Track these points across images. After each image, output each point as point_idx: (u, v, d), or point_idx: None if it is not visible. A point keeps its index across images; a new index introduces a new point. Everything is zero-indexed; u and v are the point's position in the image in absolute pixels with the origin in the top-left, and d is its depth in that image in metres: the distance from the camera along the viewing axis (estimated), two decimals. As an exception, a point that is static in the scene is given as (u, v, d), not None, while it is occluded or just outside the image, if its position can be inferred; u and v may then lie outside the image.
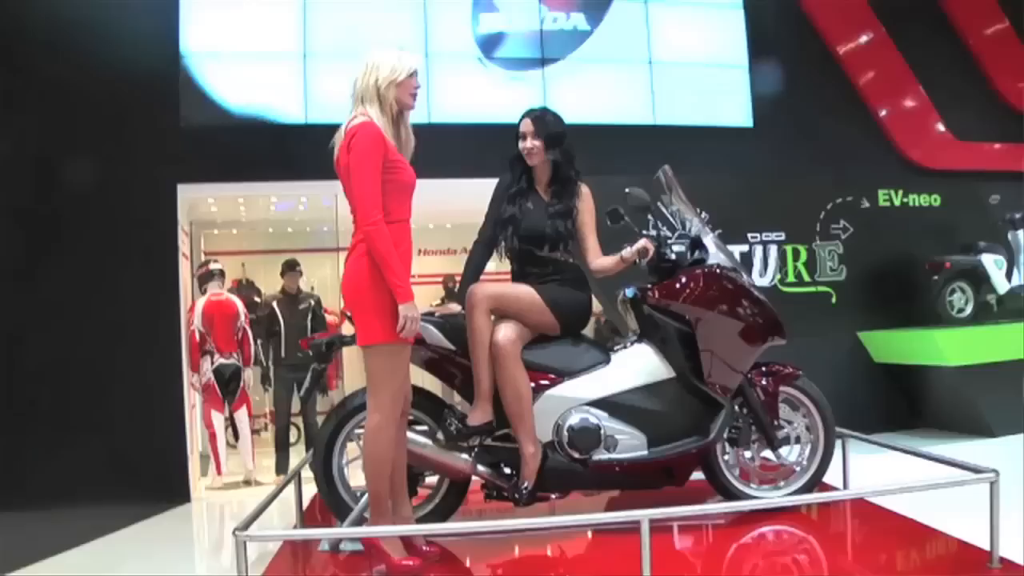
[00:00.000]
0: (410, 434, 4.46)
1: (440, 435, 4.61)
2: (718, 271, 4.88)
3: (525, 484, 4.50)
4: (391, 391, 4.02)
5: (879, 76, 10.91)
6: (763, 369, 5.04)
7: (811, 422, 5.14)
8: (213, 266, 9.80)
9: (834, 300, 9.89)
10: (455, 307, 4.71)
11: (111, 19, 8.65)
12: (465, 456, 4.58)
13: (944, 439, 9.10)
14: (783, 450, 5.06)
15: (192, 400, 9.54)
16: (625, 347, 4.88)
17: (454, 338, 4.59)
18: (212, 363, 9.45)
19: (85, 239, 8.35)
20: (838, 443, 5.22)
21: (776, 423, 4.99)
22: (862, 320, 9.90)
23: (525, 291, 4.62)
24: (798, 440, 5.11)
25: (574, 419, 4.62)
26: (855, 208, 10.07)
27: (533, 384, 4.59)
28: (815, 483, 5.10)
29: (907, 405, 9.85)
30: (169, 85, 8.90)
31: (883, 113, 10.87)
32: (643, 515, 3.64)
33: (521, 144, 4.78)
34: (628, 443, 4.69)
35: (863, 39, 10.92)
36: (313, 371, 4.72)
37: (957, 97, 11.07)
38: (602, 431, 4.63)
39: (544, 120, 4.78)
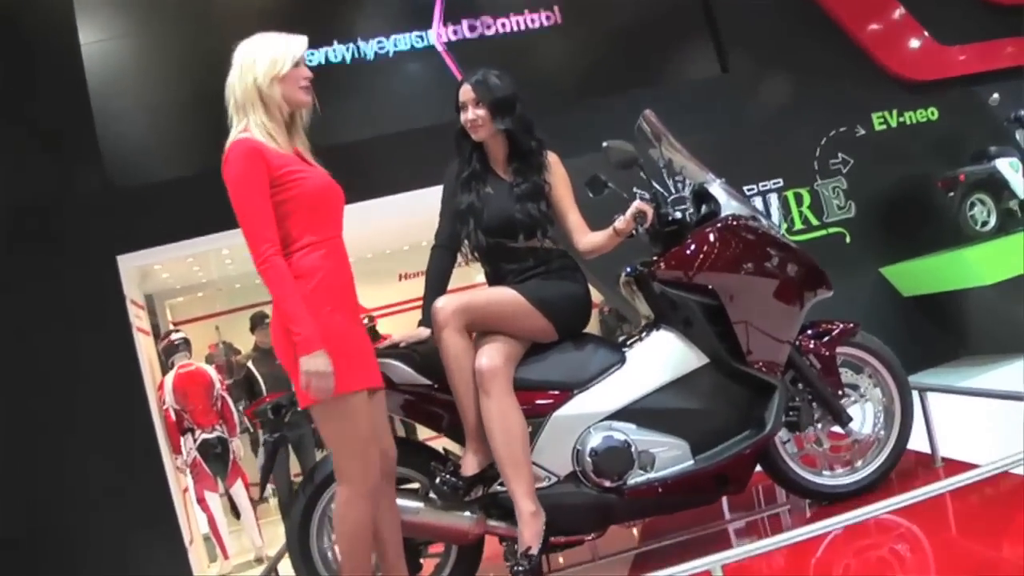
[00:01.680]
0: (399, 500, 3.46)
1: (433, 494, 3.59)
2: (734, 223, 3.90)
3: (528, 549, 3.46)
4: (355, 455, 3.12)
5: (848, -7, 10.00)
6: (809, 332, 4.06)
7: (879, 381, 4.18)
8: (175, 336, 8.82)
9: (848, 239, 8.97)
10: (423, 332, 3.71)
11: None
12: (468, 513, 3.60)
13: (998, 363, 8.11)
14: (853, 423, 4.07)
15: (182, 483, 8.51)
16: (641, 339, 3.90)
17: (428, 370, 3.63)
18: (194, 440, 8.42)
19: (26, 339, 7.31)
20: (916, 400, 4.21)
21: (840, 393, 4.00)
22: (882, 255, 8.97)
23: (503, 294, 3.67)
24: (868, 407, 4.15)
25: (596, 440, 3.65)
26: (851, 138, 9.17)
27: (537, 405, 3.64)
28: (900, 453, 4.15)
29: (946, 336, 8.90)
30: (87, 143, 7.86)
31: (861, 33, 9.93)
32: (714, 561, 2.64)
33: (463, 116, 3.81)
34: (668, 456, 3.72)
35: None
36: (266, 445, 3.71)
37: (934, 1, 10.13)
38: (633, 448, 3.66)
39: (487, 84, 3.80)
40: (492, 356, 3.52)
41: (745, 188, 8.60)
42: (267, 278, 3.00)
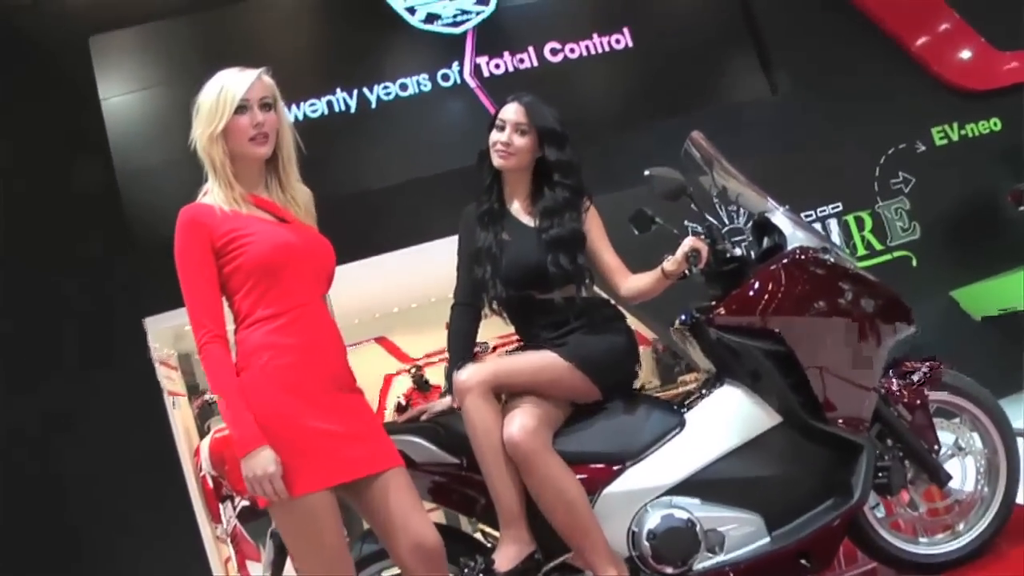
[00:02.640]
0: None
1: (465, 598, 3.05)
2: (802, 256, 3.32)
3: None
4: (320, 566, 2.61)
5: (900, 4, 9.41)
6: (891, 373, 3.50)
7: (977, 429, 3.57)
8: (210, 396, 8.38)
9: (915, 262, 8.37)
10: (446, 401, 3.18)
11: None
12: (512, 617, 3.01)
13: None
14: (953, 481, 3.47)
15: (223, 554, 8.04)
16: (701, 397, 3.33)
17: (455, 446, 3.10)
18: (235, 508, 7.97)
19: (47, 406, 6.91)
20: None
21: (935, 447, 3.41)
22: (952, 277, 8.34)
23: (538, 358, 3.16)
24: (968, 460, 3.55)
25: (654, 519, 3.10)
26: (911, 155, 8.58)
27: (584, 481, 3.09)
28: (1008, 512, 3.54)
29: (1025, 359, 8.27)
30: (110, 202, 7.50)
31: (915, 44, 9.37)
32: None
33: (496, 136, 3.31)
34: (739, 534, 3.16)
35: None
36: (273, 537, 3.18)
37: (987, 6, 9.53)
38: (698, 527, 3.10)
39: (540, 109, 3.32)
40: (525, 422, 2.99)
41: (802, 215, 8.03)
42: (203, 362, 2.62)
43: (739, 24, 9.06)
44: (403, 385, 11.81)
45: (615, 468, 3.14)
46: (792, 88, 8.87)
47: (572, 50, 8.46)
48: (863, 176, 8.43)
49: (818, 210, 8.16)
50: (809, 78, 8.85)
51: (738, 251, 3.41)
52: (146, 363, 7.36)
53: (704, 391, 3.35)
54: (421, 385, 11.10)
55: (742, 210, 3.70)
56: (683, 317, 3.52)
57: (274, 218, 2.77)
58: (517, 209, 3.36)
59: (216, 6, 8.03)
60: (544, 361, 3.11)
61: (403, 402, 10.91)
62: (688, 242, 3.14)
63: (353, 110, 7.95)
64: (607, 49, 8.56)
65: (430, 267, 8.70)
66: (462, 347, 3.30)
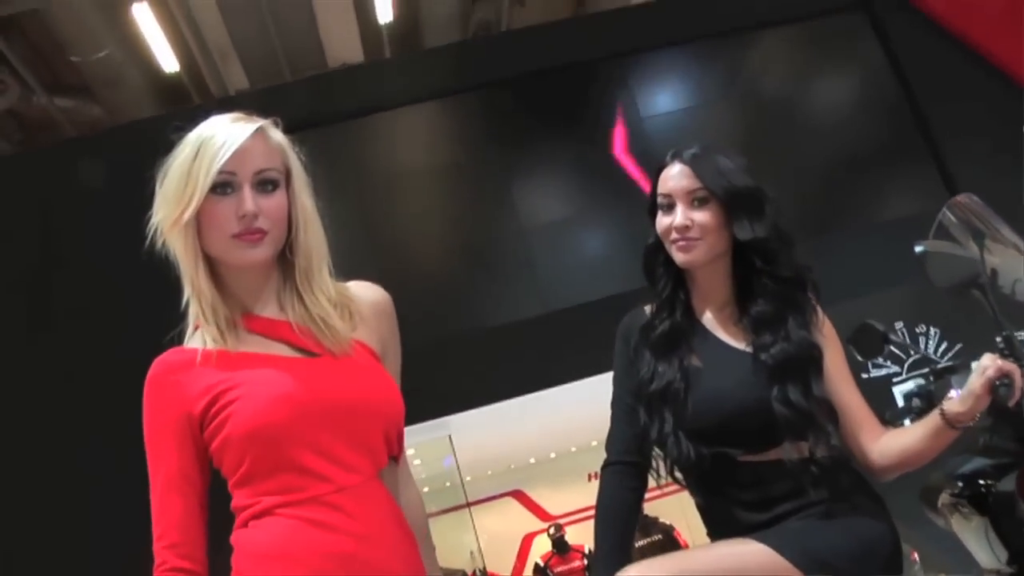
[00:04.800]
0: None
1: None
2: None
3: None
4: None
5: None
6: None
7: None
8: None
9: None
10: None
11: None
12: None
13: None
14: None
15: None
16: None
17: None
18: None
19: None
20: None
21: None
22: None
23: (747, 554, 1.91)
24: None
25: None
26: None
27: None
28: None
29: None
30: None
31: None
32: None
33: (665, 222, 2.12)
34: None
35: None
36: None
37: None
38: None
39: (715, 164, 2.10)
40: None
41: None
42: None
43: (910, 129, 7.84)
44: (542, 546, 10.84)
45: None
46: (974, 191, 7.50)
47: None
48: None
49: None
50: (990, 180, 7.48)
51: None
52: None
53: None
54: (560, 547, 10.11)
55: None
56: (960, 484, 2.23)
57: (292, 350, 1.72)
58: (711, 321, 2.16)
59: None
60: (757, 559, 1.88)
61: (541, 563, 10.16)
62: (991, 365, 1.87)
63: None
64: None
65: (569, 412, 7.74)
66: (618, 531, 2.10)
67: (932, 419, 1.93)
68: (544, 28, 8.09)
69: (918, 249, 2.11)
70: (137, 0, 7.16)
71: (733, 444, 2.00)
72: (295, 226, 1.71)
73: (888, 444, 2.02)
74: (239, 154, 1.64)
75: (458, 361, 6.39)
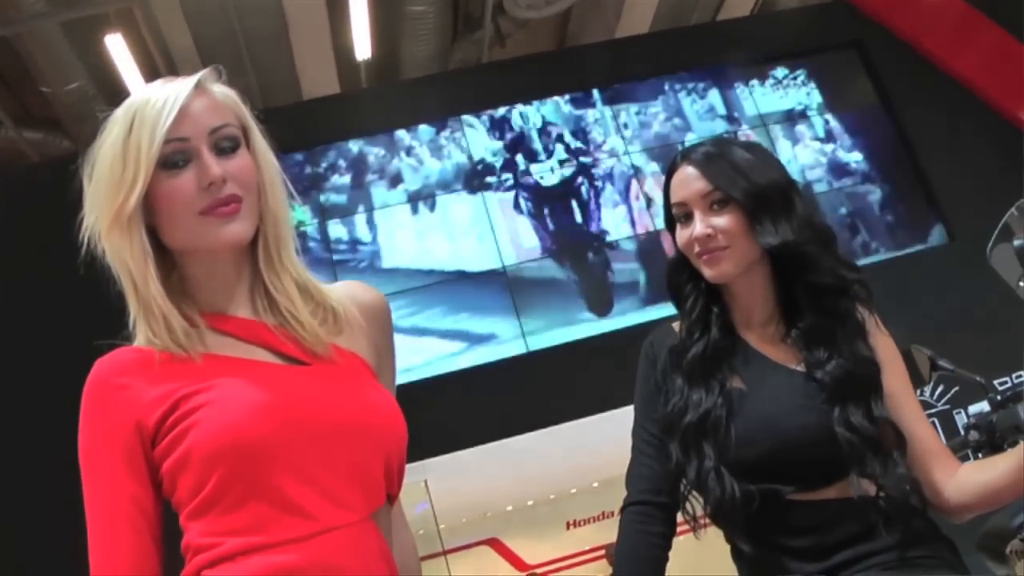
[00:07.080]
0: None
1: None
2: None
3: None
4: None
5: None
6: None
7: None
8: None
9: None
10: None
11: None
12: None
13: None
14: None
15: None
16: None
17: None
18: None
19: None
20: None
21: None
22: None
23: None
24: None
25: None
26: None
27: None
28: None
29: None
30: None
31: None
32: None
33: (684, 235, 1.78)
34: None
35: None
36: None
37: None
38: None
39: (729, 161, 1.77)
40: None
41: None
42: None
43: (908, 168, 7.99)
44: (520, 599, 10.49)
45: None
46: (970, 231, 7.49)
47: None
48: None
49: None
50: (988, 213, 7.37)
51: None
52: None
53: None
54: (537, 598, 9.80)
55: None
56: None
57: (275, 356, 1.38)
58: (756, 339, 1.81)
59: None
60: None
61: (518, 614, 9.85)
62: None
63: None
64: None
65: (549, 457, 7.41)
66: None
67: (1017, 453, 1.60)
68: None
69: (1017, 244, 1.78)
70: (110, 31, 6.94)
71: (786, 479, 1.66)
72: (261, 191, 1.38)
73: (966, 479, 1.68)
74: (186, 114, 1.31)
75: (436, 403, 6.16)
